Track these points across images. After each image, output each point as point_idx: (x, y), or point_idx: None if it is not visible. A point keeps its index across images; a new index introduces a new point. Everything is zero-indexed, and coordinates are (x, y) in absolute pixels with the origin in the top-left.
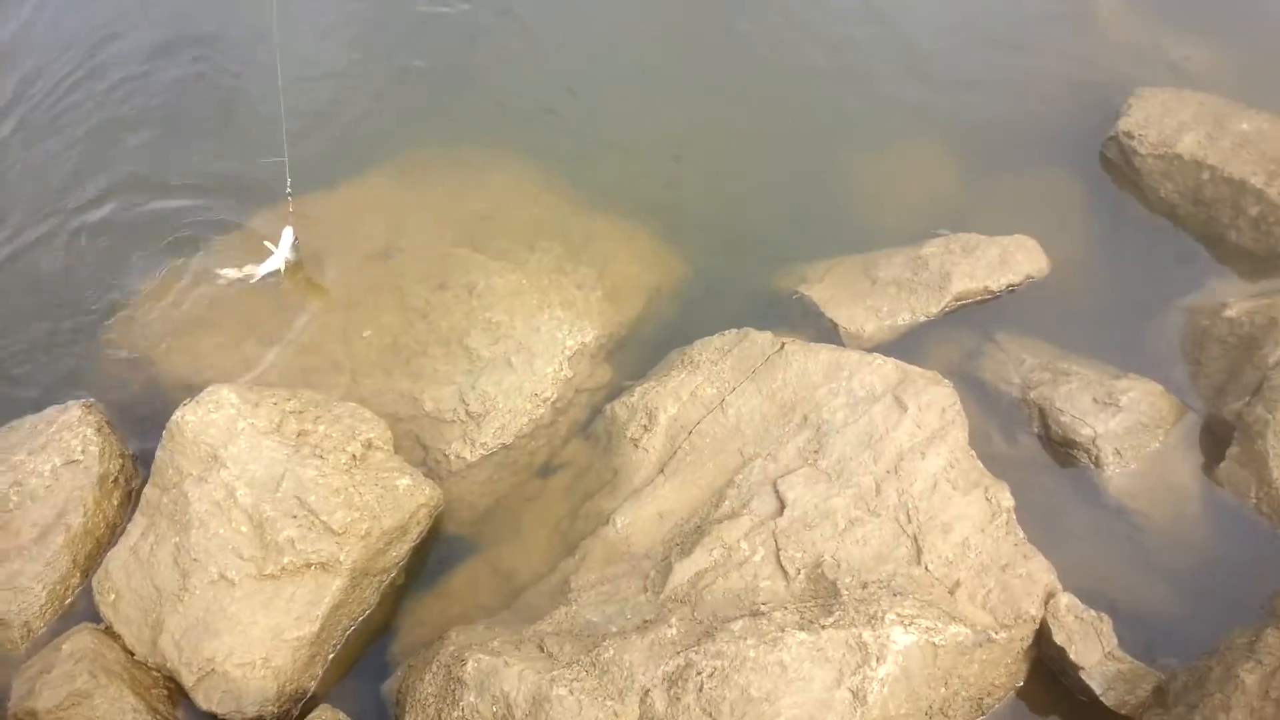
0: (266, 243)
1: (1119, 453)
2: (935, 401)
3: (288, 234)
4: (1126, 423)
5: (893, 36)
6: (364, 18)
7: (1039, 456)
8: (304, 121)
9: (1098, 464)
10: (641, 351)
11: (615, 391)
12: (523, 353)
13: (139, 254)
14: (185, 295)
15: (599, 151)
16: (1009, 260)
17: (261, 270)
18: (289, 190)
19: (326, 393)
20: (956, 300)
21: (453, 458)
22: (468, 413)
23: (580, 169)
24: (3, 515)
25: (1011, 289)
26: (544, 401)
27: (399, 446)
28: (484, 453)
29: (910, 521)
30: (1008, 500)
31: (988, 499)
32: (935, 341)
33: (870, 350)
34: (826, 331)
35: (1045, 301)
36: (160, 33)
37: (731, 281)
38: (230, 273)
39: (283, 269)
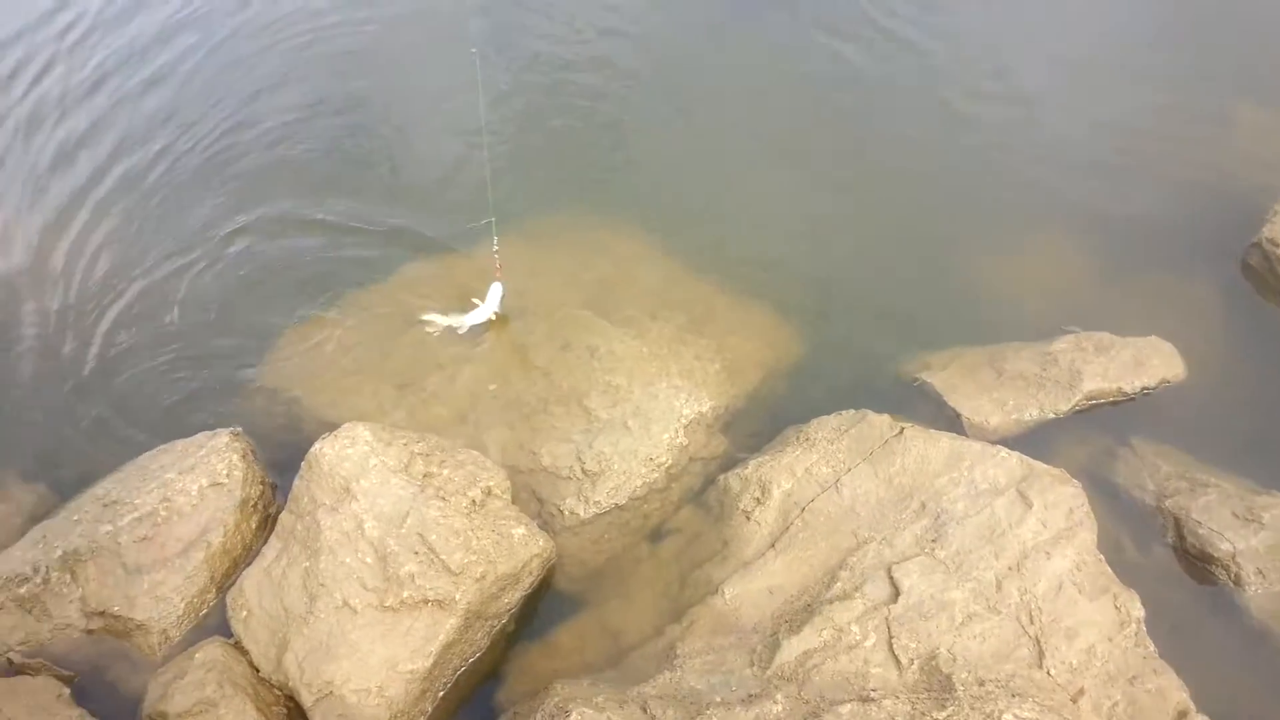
0: (474, 299)
1: (1261, 572)
2: (1062, 501)
3: (497, 288)
4: (1270, 541)
5: (1029, 121)
6: (503, 82)
7: (1172, 568)
8: (445, 176)
9: (1237, 582)
10: (756, 425)
11: (729, 463)
12: (640, 417)
13: (288, 294)
14: (329, 337)
15: (725, 227)
16: (1144, 363)
17: (469, 320)
18: (495, 248)
19: (451, 439)
20: (1087, 399)
21: (566, 513)
22: (583, 470)
23: (705, 244)
24: (152, 528)
25: (1146, 392)
26: (658, 466)
27: (516, 497)
28: (597, 511)
29: (1033, 622)
30: (1138, 610)
31: (1117, 607)
32: (1063, 440)
33: (994, 443)
34: (949, 420)
35: (1181, 407)
36: (314, 89)
37: (850, 362)
38: (439, 319)
39: (489, 320)
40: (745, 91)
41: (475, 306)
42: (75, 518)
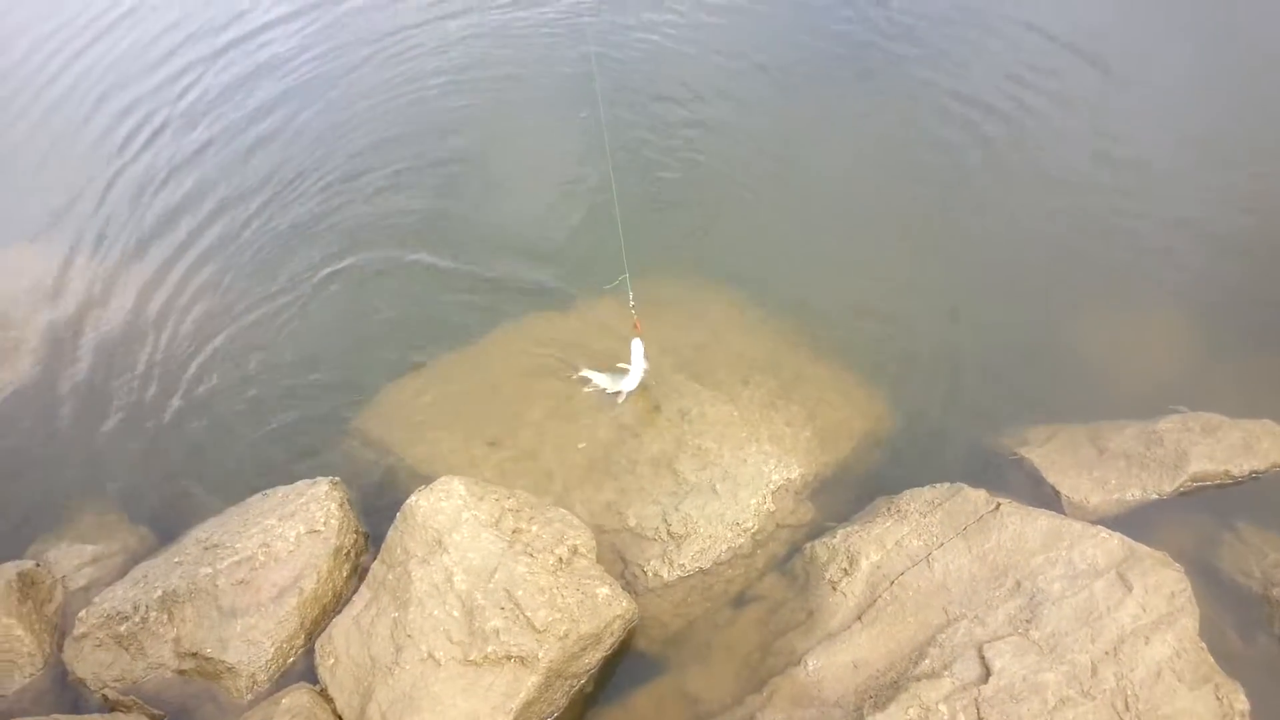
0: (620, 364)
1: None
2: (1164, 584)
3: (638, 346)
4: None
5: (1141, 190)
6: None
7: (1279, 660)
8: (546, 238)
9: None
10: (846, 495)
11: (817, 531)
12: (728, 481)
13: (389, 344)
14: (426, 389)
15: (820, 294)
16: (1253, 445)
17: (626, 387)
18: (632, 304)
19: (540, 497)
20: (1193, 481)
21: (650, 575)
22: (669, 533)
23: (799, 310)
24: (250, 572)
25: (1255, 475)
26: (744, 531)
27: (601, 556)
28: (681, 574)
29: (1128, 709)
30: (1242, 703)
31: (1219, 698)
32: (1166, 522)
33: (1094, 522)
34: (1046, 497)
35: None
36: (425, 146)
37: (944, 434)
38: (595, 378)
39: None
40: (844, 158)
41: (622, 371)
42: (177, 559)
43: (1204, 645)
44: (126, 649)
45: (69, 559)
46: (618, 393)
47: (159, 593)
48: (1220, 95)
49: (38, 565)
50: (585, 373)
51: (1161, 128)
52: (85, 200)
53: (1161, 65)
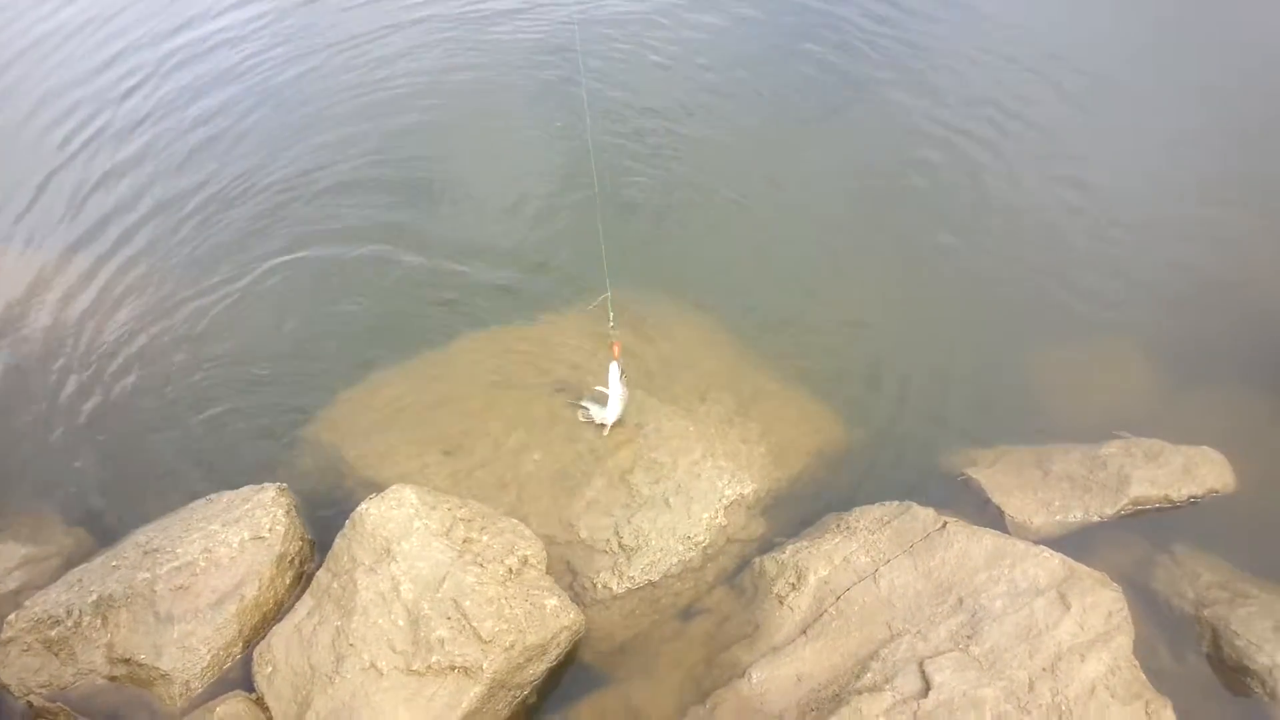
0: (599, 387)
1: None
2: (1101, 604)
3: (614, 370)
4: None
5: (1096, 224)
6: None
7: (1208, 679)
8: (515, 247)
9: (1273, 696)
10: (797, 511)
11: (766, 546)
12: (681, 495)
13: (345, 350)
14: (381, 397)
15: (779, 314)
16: (1193, 471)
17: (609, 418)
18: (612, 324)
19: (494, 506)
20: (1133, 505)
21: (599, 586)
22: (620, 545)
23: (758, 329)
24: (189, 578)
25: (1193, 500)
26: (695, 545)
27: (551, 567)
28: (630, 586)
29: None
30: (1170, 718)
31: (1148, 714)
32: (1106, 543)
33: (1036, 542)
34: (992, 517)
35: (1228, 518)
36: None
37: (895, 453)
38: (594, 411)
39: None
40: (817, 181)
41: (601, 396)
42: (114, 563)
43: (1137, 663)
44: (56, 654)
45: None
46: (602, 425)
47: (94, 597)
48: (1178, 130)
49: None
50: (585, 403)
51: (1119, 159)
52: (19, 199)
53: (1129, 96)
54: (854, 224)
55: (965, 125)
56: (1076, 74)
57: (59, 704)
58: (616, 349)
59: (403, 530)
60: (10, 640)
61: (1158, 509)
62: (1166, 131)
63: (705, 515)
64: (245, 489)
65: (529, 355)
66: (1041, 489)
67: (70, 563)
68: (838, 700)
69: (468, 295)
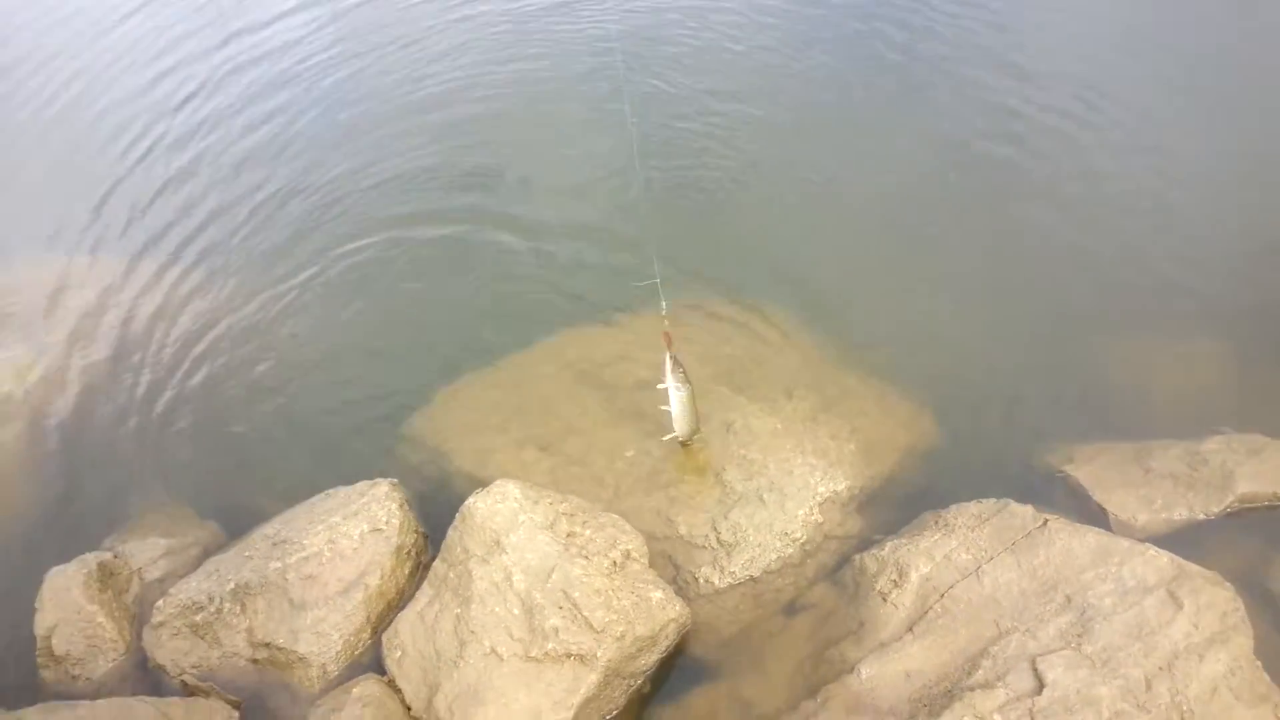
0: (659, 385)
1: None
2: (1215, 603)
3: (669, 366)
4: None
5: (1187, 209)
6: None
7: None
8: (599, 241)
9: None
10: (891, 508)
11: (864, 543)
12: (775, 492)
13: (444, 348)
14: (480, 394)
15: (860, 311)
16: None
17: (679, 428)
18: (665, 311)
19: (591, 502)
20: (1240, 502)
21: (702, 581)
22: (719, 540)
23: (839, 325)
24: (317, 567)
25: None
26: (793, 541)
27: (652, 562)
28: (732, 581)
29: None
30: None
31: (1277, 716)
32: (1215, 542)
33: (1141, 540)
34: (1093, 515)
35: None
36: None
37: (987, 450)
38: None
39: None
40: (885, 173)
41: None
42: (247, 554)
43: (1259, 664)
44: (202, 638)
45: (144, 552)
46: (685, 442)
47: (231, 585)
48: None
49: (115, 556)
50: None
51: (1205, 145)
52: (107, 208)
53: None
54: (932, 211)
55: (1041, 117)
56: (1159, 66)
57: (209, 684)
58: (669, 338)
59: (509, 523)
60: (161, 624)
61: (1268, 507)
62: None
63: (800, 512)
64: (360, 484)
65: (616, 353)
66: (1143, 486)
67: (207, 553)
68: (950, 696)
69: (552, 292)
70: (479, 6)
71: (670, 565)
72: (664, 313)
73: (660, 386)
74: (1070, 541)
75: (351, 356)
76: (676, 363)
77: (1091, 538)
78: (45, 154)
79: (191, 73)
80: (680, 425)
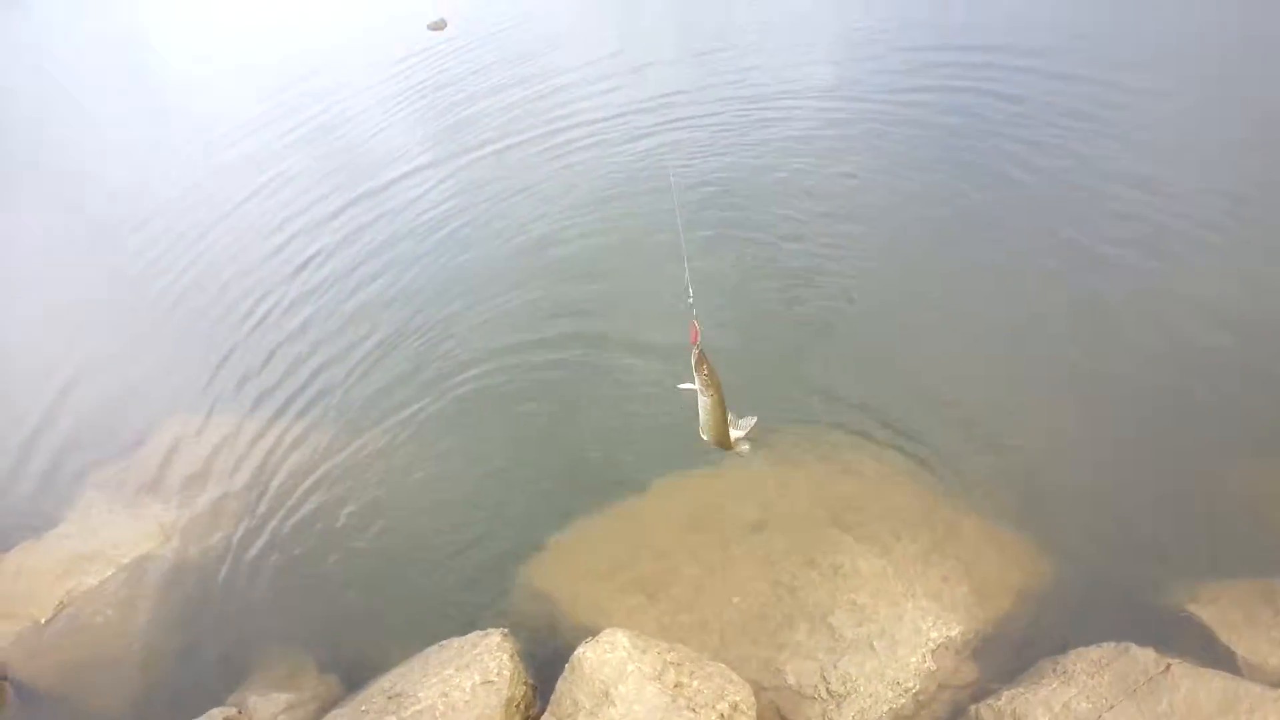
0: (681, 385)
1: None
2: None
3: (696, 362)
4: None
5: None
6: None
7: None
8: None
9: None
10: (1007, 653)
11: (980, 693)
12: (885, 638)
13: (551, 499)
14: (586, 542)
15: (967, 446)
16: None
17: (702, 433)
18: (690, 299)
19: (697, 650)
20: None
21: None
22: (828, 691)
23: (945, 461)
24: None
25: None
26: (905, 691)
27: (760, 713)
28: None
29: None
30: None
31: None
32: None
33: (1273, 685)
34: (1219, 658)
35: None
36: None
37: (1106, 590)
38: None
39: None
40: (977, 298)
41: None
42: (364, 708)
43: None
44: None
45: (266, 707)
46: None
47: None
48: None
49: (239, 712)
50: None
51: None
52: (227, 370)
53: None
54: (1026, 347)
55: (1139, 237)
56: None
57: None
58: (695, 330)
59: (618, 674)
60: None
61: None
62: None
63: (913, 660)
64: (473, 635)
65: (720, 498)
66: (1274, 628)
67: (325, 708)
68: None
69: (654, 438)
70: (573, 159)
71: (778, 717)
72: (690, 299)
73: (683, 386)
74: (1195, 687)
75: (466, 500)
76: (702, 358)
77: (1219, 683)
78: (172, 325)
79: (311, 239)
80: (706, 432)
